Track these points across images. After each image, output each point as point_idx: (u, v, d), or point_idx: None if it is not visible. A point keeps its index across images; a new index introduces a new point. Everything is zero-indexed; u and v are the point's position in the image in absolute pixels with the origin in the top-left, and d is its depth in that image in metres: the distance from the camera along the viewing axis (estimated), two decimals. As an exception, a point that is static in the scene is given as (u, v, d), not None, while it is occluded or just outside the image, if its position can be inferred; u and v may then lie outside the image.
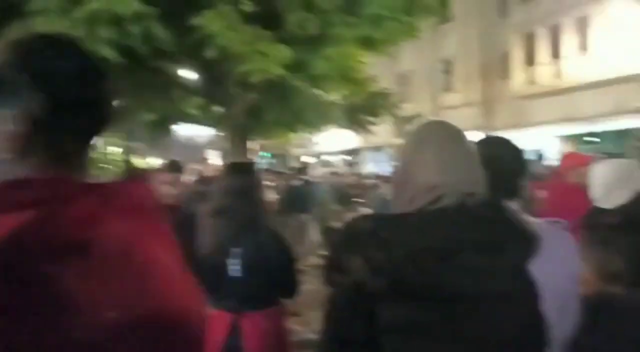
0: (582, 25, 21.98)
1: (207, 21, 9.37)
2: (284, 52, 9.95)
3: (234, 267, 3.13)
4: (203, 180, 8.79)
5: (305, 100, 12.09)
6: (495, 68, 26.34)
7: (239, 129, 12.14)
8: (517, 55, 24.64)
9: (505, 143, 1.94)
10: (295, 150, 33.74)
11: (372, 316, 1.28)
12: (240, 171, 3.44)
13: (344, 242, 1.38)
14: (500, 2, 25.54)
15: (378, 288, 1.26)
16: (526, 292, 1.37)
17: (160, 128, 14.31)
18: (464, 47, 26.45)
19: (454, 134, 1.46)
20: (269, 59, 9.85)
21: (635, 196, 2.95)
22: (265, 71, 9.90)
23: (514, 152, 1.94)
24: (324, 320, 1.40)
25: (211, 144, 45.95)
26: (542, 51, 23.60)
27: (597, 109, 21.32)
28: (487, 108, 26.66)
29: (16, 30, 9.42)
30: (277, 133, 13.97)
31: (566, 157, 5.59)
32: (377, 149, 33.32)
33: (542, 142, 25.00)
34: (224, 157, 12.12)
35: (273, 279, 3.16)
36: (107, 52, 8.73)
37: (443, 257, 1.28)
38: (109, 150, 35.02)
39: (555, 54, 23.09)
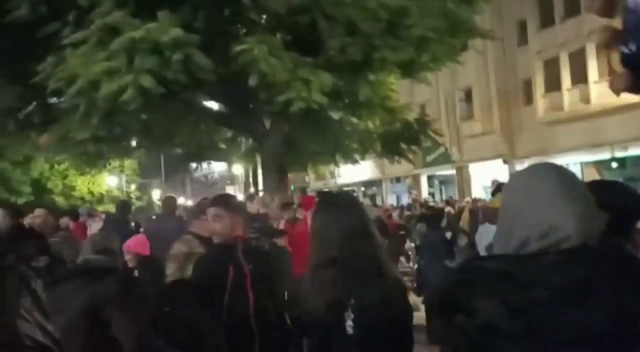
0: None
1: (250, 47, 8.82)
2: (326, 79, 9.39)
3: (351, 324, 2.44)
4: (254, 217, 8.12)
5: (345, 128, 11.51)
6: (515, 95, 25.83)
7: (276, 161, 11.52)
8: (539, 82, 24.12)
9: (620, 186, 2.02)
10: (314, 183, 33.11)
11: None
12: (346, 205, 2.69)
13: (469, 283, 1.35)
14: (519, 29, 25.17)
15: (513, 330, 1.25)
16: None
17: (187, 162, 13.73)
18: (483, 75, 25.98)
19: (569, 177, 1.45)
20: (310, 86, 9.28)
21: None
22: (307, 99, 9.31)
23: (629, 194, 1.99)
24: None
25: (226, 180, 45.67)
26: (566, 76, 23.07)
27: (622, 134, 20.71)
28: (508, 136, 26.04)
29: (52, 65, 8.95)
30: (317, 164, 13.33)
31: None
32: (396, 179, 32.74)
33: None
34: (266, 192, 11.47)
35: (394, 338, 2.48)
36: (147, 82, 8.19)
37: (578, 298, 1.26)
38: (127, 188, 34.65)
39: (580, 79, 22.55)
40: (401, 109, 12.73)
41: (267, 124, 12.46)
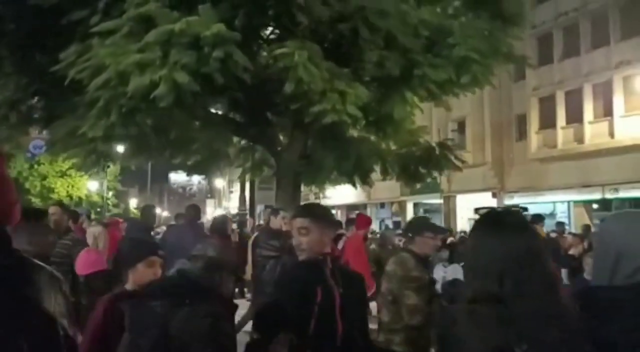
0: (604, 90, 21.48)
1: (291, 51, 8.23)
2: (362, 93, 8.84)
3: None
4: (275, 233, 7.44)
5: (368, 147, 10.95)
6: (508, 129, 25.72)
7: (292, 175, 10.87)
8: (533, 118, 24.03)
9: None
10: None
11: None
12: (516, 227, 1.97)
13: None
14: (516, 66, 25.12)
15: None
16: None
17: (196, 169, 12.98)
18: (477, 107, 25.81)
19: None
20: (346, 99, 8.71)
21: None
22: (341, 112, 8.73)
23: None
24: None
25: (206, 193, 44.58)
26: (561, 115, 23.02)
27: (614, 175, 20.62)
28: (499, 169, 25.85)
29: (76, 54, 8.21)
30: (334, 181, 12.67)
31: None
32: (381, 205, 32.27)
33: (555, 206, 24.17)
34: (279, 207, 10.78)
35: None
36: (182, 77, 7.51)
37: None
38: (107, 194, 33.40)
39: (575, 118, 22.50)
40: (419, 131, 12.25)
41: (281, 135, 11.89)
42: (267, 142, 11.32)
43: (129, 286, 3.48)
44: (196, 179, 42.43)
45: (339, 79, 8.71)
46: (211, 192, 39.28)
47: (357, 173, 11.46)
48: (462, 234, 16.91)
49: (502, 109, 25.71)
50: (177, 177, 43.11)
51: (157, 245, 4.22)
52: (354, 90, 8.77)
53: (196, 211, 7.99)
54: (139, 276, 3.44)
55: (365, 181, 11.79)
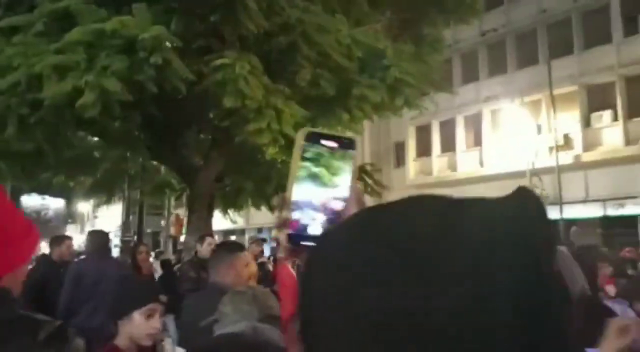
0: (474, 122, 22.67)
1: (232, 62, 7.41)
2: (298, 111, 8.22)
3: None
4: (198, 263, 6.51)
5: (284, 169, 10.28)
6: (387, 157, 26.28)
7: (207, 199, 9.89)
8: (411, 146, 24.76)
9: None
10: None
11: None
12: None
13: None
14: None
15: None
16: None
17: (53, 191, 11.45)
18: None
19: None
20: (282, 117, 8.04)
21: None
22: (276, 132, 8.04)
23: None
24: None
25: (65, 218, 40.73)
26: (436, 143, 23.93)
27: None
28: (377, 195, 26.24)
29: None
30: (250, 204, 11.68)
31: None
32: (259, 230, 31.39)
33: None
34: (190, 233, 9.68)
35: None
36: (112, 85, 6.39)
37: None
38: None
39: (449, 147, 23.49)
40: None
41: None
42: (178, 163, 10.23)
43: (121, 341, 2.56)
44: (52, 201, 38.88)
45: (274, 96, 8.03)
46: (72, 217, 35.95)
47: (261, 196, 10.71)
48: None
49: (381, 137, 26.26)
50: (30, 200, 39.23)
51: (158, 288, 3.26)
52: (290, 109, 8.13)
53: (103, 237, 6.59)
54: (135, 327, 2.55)
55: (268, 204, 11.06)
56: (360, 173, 11.38)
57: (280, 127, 8.02)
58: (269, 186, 10.15)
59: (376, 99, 8.64)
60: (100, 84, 6.32)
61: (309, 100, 8.69)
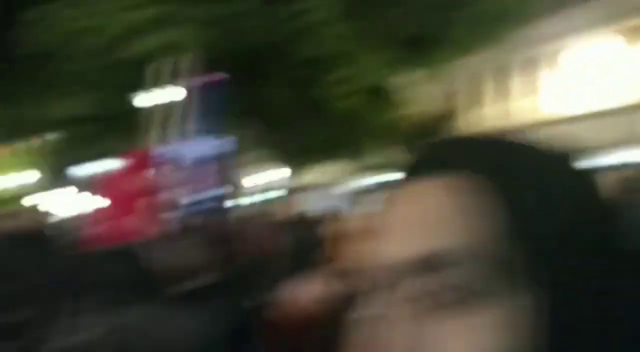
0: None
1: (312, 7, 6.90)
2: (391, 55, 7.66)
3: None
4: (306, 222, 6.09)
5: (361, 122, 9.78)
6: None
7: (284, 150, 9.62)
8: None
9: None
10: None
11: None
12: None
13: None
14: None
15: None
16: None
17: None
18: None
19: None
20: (375, 62, 7.50)
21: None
22: (370, 77, 7.53)
23: None
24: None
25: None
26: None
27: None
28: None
29: (32, 19, 6.52)
30: (318, 159, 11.13)
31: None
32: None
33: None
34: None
35: None
36: (213, 35, 6.02)
37: None
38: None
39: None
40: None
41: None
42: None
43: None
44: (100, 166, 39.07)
45: (367, 40, 7.48)
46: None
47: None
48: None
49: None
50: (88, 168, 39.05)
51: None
52: (383, 53, 7.59)
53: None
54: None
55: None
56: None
57: (373, 72, 7.51)
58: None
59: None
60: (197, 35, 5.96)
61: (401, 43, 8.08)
